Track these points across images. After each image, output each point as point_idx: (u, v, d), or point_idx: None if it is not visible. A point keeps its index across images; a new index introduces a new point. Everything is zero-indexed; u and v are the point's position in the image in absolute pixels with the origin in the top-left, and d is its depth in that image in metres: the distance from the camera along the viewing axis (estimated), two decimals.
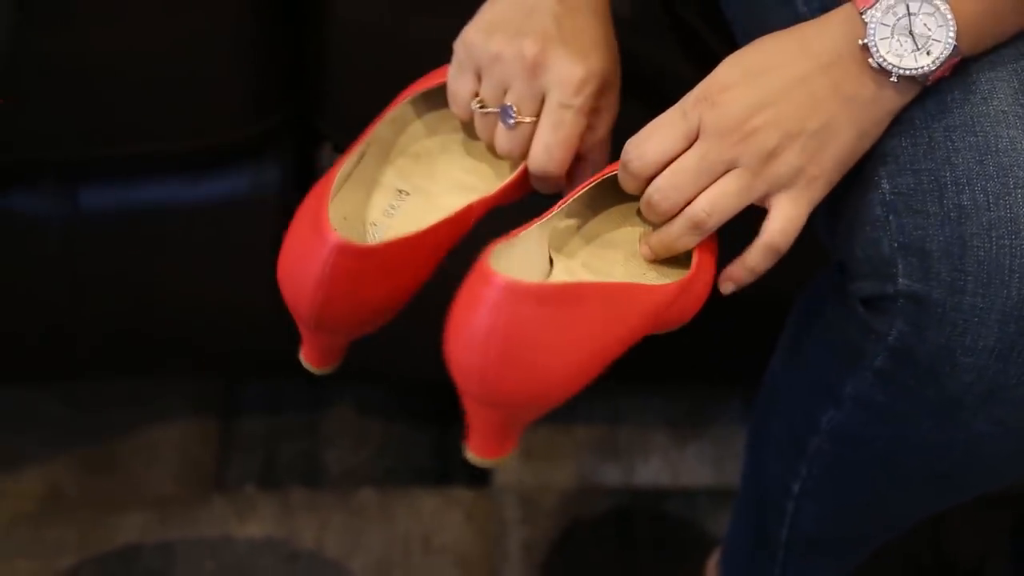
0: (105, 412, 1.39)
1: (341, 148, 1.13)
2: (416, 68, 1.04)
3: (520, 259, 0.81)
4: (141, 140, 1.09)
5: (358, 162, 0.86)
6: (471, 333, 0.74)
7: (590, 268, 0.85)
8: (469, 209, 0.84)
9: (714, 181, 0.78)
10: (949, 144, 0.77)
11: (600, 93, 0.83)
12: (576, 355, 0.75)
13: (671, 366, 1.34)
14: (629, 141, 0.80)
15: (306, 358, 0.89)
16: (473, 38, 0.84)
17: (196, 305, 1.23)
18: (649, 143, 0.79)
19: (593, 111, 0.83)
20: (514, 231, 0.81)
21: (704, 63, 0.98)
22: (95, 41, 1.03)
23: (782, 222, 0.79)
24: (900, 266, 0.77)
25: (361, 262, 0.79)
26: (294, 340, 1.28)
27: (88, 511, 1.31)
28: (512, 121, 0.83)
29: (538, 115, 0.83)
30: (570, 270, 0.84)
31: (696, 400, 1.42)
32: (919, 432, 0.83)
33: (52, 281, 1.18)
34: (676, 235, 0.80)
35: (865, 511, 0.94)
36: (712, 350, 1.31)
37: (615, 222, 0.86)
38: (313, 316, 0.81)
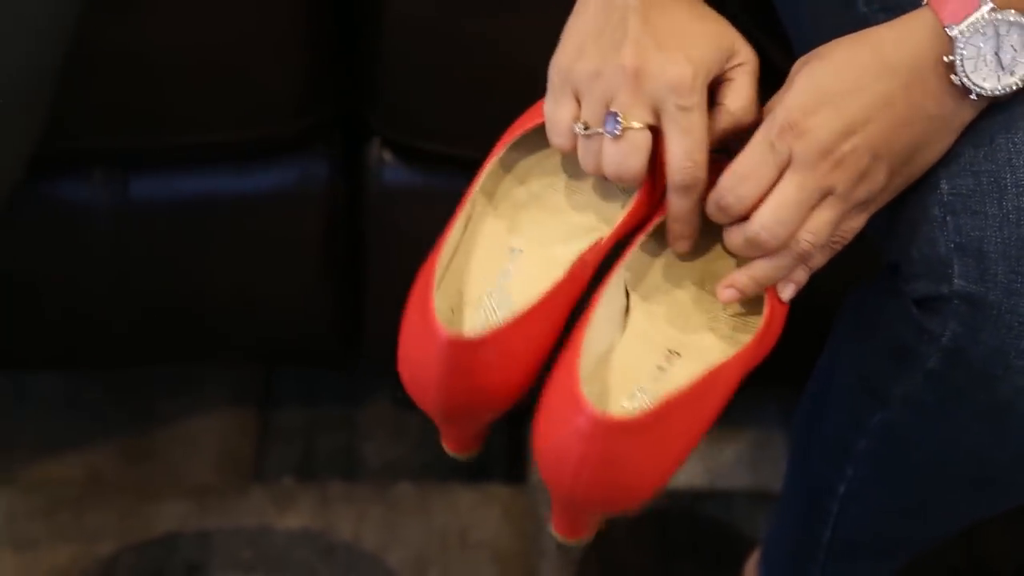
0: (146, 400, 1.40)
1: (390, 143, 1.14)
2: (467, 65, 1.05)
3: (601, 322, 0.81)
4: (192, 130, 1.10)
5: (464, 230, 0.84)
6: (561, 455, 0.75)
7: (665, 313, 0.84)
8: (582, 263, 0.81)
9: (812, 209, 0.78)
10: (1011, 147, 0.77)
11: (713, 74, 0.80)
12: (670, 459, 0.76)
13: None
14: (721, 184, 0.79)
15: (447, 446, 0.87)
16: (565, 62, 0.81)
17: (240, 296, 1.24)
18: (746, 185, 0.78)
19: (719, 89, 0.81)
20: (595, 295, 0.81)
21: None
22: (149, 31, 1.04)
23: (848, 230, 0.80)
24: (956, 267, 0.77)
25: (475, 354, 0.76)
26: (334, 334, 1.29)
27: (128, 498, 1.32)
28: (619, 129, 0.79)
29: (646, 123, 0.79)
30: (649, 313, 0.84)
31: (734, 402, 1.41)
32: (968, 435, 0.83)
33: (99, 269, 1.19)
34: (783, 268, 0.80)
35: (910, 515, 0.94)
36: None
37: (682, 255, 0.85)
38: (440, 412, 0.80)
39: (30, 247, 1.16)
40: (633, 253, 0.83)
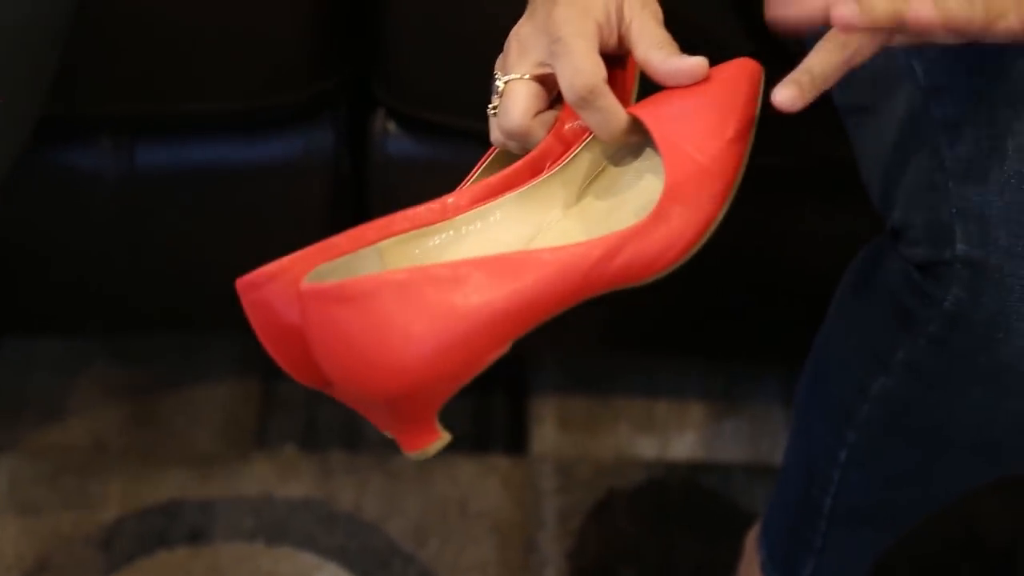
0: (151, 368, 1.41)
1: (394, 114, 1.14)
2: (471, 35, 1.05)
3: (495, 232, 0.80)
4: (198, 99, 1.10)
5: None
6: (311, 344, 0.74)
7: (599, 217, 0.83)
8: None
9: None
10: (1011, 111, 0.77)
11: (602, 14, 0.80)
12: (429, 340, 0.73)
13: (709, 342, 1.35)
14: None
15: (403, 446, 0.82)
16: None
17: (244, 265, 1.24)
18: None
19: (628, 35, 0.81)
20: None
21: (755, 33, 0.99)
22: None
23: None
24: (958, 231, 0.78)
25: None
26: None
27: (131, 465, 1.33)
28: (499, 88, 0.81)
29: (530, 73, 0.80)
30: (566, 229, 0.82)
31: (733, 377, 1.43)
32: (970, 399, 0.83)
33: (105, 236, 1.19)
34: None
35: (912, 480, 0.95)
36: (750, 327, 1.31)
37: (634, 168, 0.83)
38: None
39: (37, 213, 1.17)
40: (563, 170, 0.81)
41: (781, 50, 0.98)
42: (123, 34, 1.06)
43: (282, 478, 1.33)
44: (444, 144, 1.13)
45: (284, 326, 0.76)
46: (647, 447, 1.37)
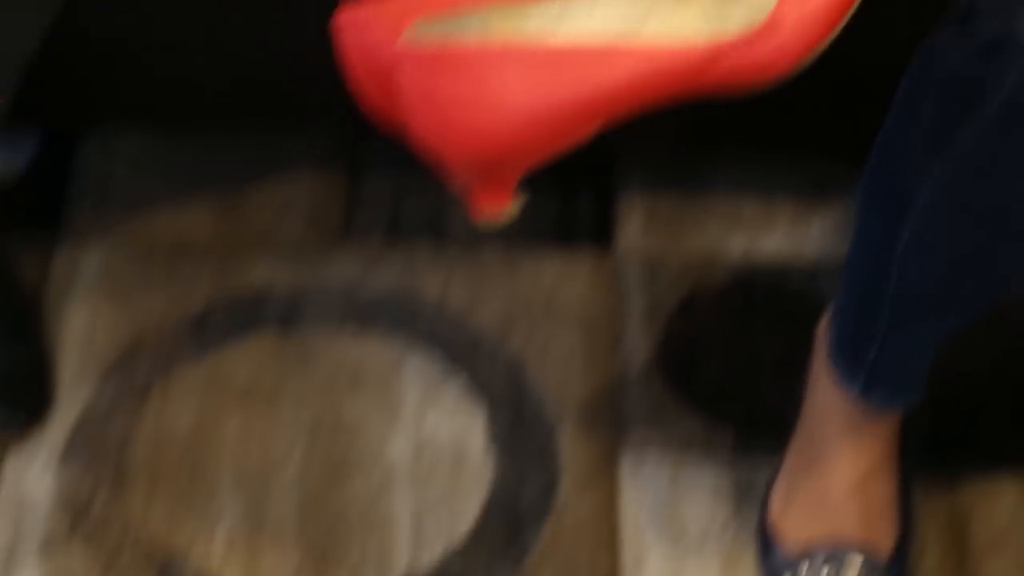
0: (235, 163, 1.41)
1: None
2: None
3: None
4: None
5: None
6: (400, 100, 0.75)
7: (713, 9, 0.80)
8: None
9: None
10: None
11: None
12: (521, 111, 0.73)
13: (799, 136, 1.33)
14: None
15: (482, 204, 0.84)
16: None
17: (330, 55, 1.23)
18: None
19: None
20: None
21: None
22: None
23: None
24: (1022, 10, 0.76)
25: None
26: None
27: (218, 256, 1.34)
28: None
29: None
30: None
31: (823, 173, 1.41)
32: None
33: (184, 23, 1.18)
34: None
35: (971, 266, 0.94)
36: (841, 121, 1.29)
37: None
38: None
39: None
40: None
41: None
42: None
43: (368, 269, 1.33)
44: None
45: (376, 69, 0.76)
46: (734, 244, 1.36)
